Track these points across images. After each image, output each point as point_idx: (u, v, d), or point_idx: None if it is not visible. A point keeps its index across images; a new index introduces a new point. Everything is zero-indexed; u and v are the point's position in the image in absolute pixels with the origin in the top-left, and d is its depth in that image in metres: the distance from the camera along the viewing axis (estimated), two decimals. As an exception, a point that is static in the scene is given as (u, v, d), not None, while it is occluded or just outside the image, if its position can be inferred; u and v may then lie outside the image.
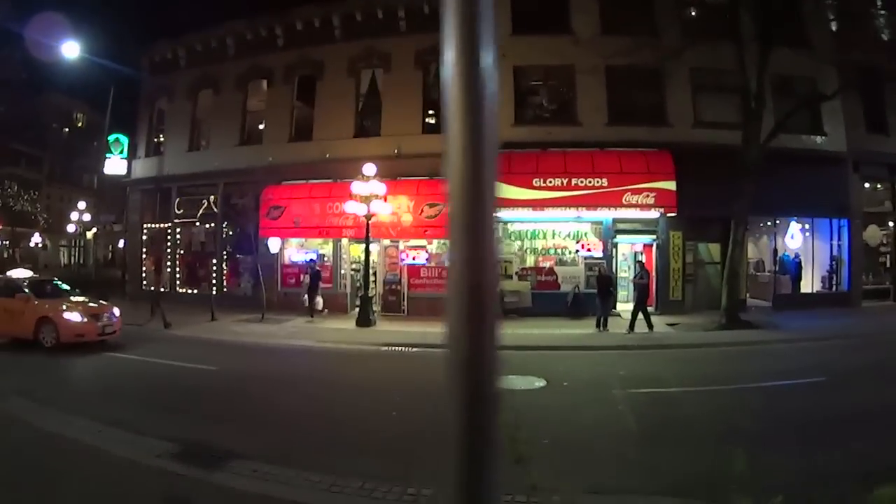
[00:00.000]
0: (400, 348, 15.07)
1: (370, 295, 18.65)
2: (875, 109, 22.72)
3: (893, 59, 20.84)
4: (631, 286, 22.50)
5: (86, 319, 14.50)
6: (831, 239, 22.12)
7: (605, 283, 17.19)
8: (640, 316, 16.41)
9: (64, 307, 14.60)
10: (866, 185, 22.85)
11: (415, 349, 14.81)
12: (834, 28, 20.95)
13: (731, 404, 9.26)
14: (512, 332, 16.85)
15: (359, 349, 15.23)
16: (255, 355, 14.64)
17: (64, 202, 38.34)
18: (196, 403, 9.91)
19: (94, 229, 30.00)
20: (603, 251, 19.67)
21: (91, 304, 15.52)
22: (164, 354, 14.18)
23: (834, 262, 22.07)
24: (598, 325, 16.74)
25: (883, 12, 21.30)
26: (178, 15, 25.73)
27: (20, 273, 17.64)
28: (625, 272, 21.61)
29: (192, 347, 15.43)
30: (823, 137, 21.38)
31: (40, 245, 39.83)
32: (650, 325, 16.46)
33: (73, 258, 35.84)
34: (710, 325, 17.14)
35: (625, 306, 20.24)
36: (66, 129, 44.83)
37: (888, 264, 23.49)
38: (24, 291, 14.86)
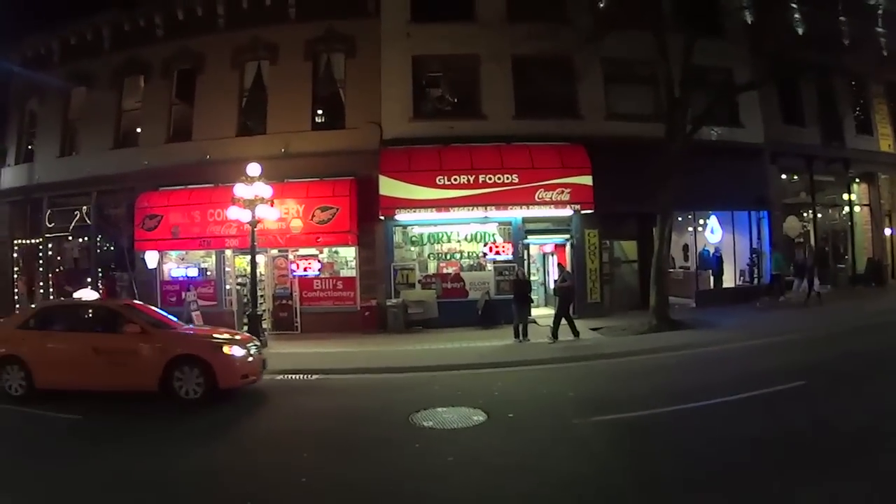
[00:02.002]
0: (297, 376, 12.05)
1: (259, 312, 15.56)
2: (791, 101, 21.16)
3: (807, 50, 19.44)
4: (542, 290, 20.35)
5: (249, 354, 10.15)
6: (750, 232, 20.26)
7: (521, 288, 14.67)
8: (562, 322, 14.06)
9: (215, 338, 10.23)
10: (783, 176, 21.15)
11: (314, 376, 11.96)
12: (749, 19, 19.22)
13: (728, 427, 7.24)
14: (421, 347, 14.31)
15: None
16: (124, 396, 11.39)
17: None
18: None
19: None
20: (513, 253, 17.15)
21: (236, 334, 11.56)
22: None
23: (754, 255, 20.26)
24: (516, 335, 14.19)
25: (795, 4, 19.73)
26: (55, 3, 21.71)
27: (86, 295, 13.54)
28: (534, 275, 19.23)
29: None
30: (741, 129, 19.43)
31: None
32: (575, 332, 14.14)
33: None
34: (641, 328, 14.95)
35: (539, 311, 17.86)
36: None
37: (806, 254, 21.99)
38: (135, 322, 9.98)
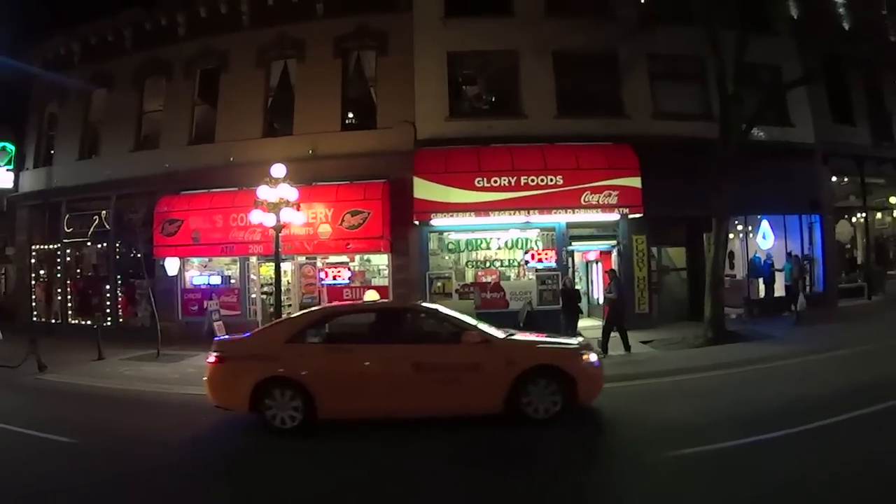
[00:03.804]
0: None
1: (284, 323, 13.74)
2: (840, 99, 19.02)
3: (855, 44, 17.51)
4: (584, 300, 18.32)
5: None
6: (801, 237, 18.19)
7: (570, 297, 12.81)
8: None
9: (569, 344, 8.13)
10: (833, 178, 19.04)
11: None
12: (796, 13, 17.28)
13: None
14: None
15: None
16: (136, 412, 9.54)
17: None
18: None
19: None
20: (556, 261, 15.18)
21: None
22: (15, 413, 9.31)
23: (806, 262, 18.14)
24: None
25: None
26: (74, 3, 20.10)
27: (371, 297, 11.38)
28: (577, 284, 17.23)
29: (59, 401, 10.43)
30: (791, 129, 17.40)
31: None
32: (627, 346, 12.32)
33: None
34: (696, 341, 13.04)
35: (583, 323, 15.83)
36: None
37: (859, 261, 19.89)
38: (471, 329, 7.70)
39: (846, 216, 19.35)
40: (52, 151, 19.75)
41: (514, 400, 7.16)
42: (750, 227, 17.89)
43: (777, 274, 17.70)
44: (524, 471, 5.81)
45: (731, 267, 18.14)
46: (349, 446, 7.05)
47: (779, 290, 17.80)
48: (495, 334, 7.73)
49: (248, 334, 8.48)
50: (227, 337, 8.28)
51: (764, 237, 17.78)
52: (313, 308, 9.15)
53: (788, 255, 17.15)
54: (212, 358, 7.71)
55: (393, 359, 7.33)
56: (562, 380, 7.26)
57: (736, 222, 17.74)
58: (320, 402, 7.21)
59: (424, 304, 10.11)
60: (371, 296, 11.42)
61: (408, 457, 6.56)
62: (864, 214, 19.81)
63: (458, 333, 7.59)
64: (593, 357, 7.77)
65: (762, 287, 17.62)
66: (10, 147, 20.14)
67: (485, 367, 7.25)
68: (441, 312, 8.20)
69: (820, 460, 5.60)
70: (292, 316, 8.59)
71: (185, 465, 6.62)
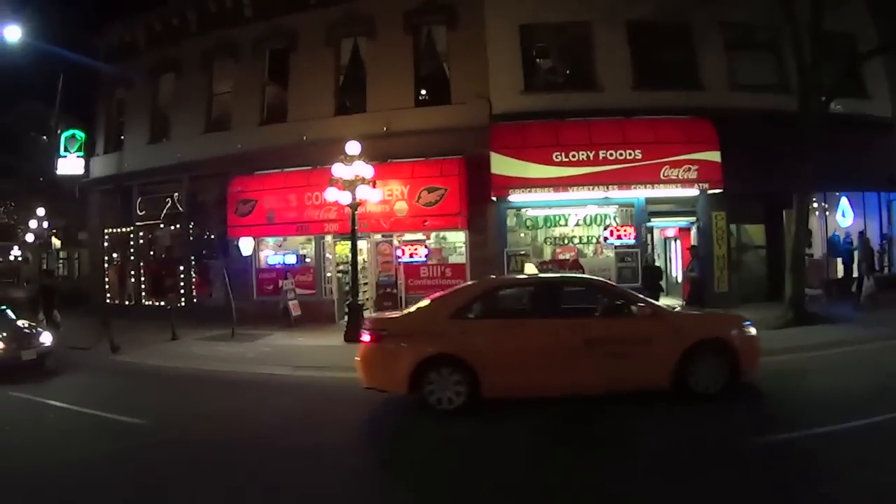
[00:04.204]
0: None
1: (360, 302, 13.58)
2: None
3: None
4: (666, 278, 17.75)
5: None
6: (880, 215, 17.35)
7: (652, 275, 12.36)
8: None
9: (732, 315, 8.09)
10: (912, 153, 18.10)
11: None
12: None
13: None
14: None
15: (348, 379, 9.95)
16: (211, 394, 9.40)
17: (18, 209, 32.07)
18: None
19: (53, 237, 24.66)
20: (635, 237, 14.67)
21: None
22: (87, 393, 9.42)
23: (884, 241, 17.32)
24: None
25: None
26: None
27: (530, 271, 10.85)
28: (657, 261, 16.68)
29: (131, 382, 10.43)
30: (868, 101, 16.54)
31: (20, 258, 33.83)
32: None
33: (57, 269, 29.89)
34: (776, 322, 12.29)
35: (663, 301, 15.35)
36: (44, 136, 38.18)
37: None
38: (641, 301, 7.46)
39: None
40: (122, 137, 19.82)
41: (681, 374, 6.84)
42: (827, 205, 17.15)
43: (855, 253, 16.98)
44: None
45: (810, 246, 17.41)
46: (514, 426, 6.62)
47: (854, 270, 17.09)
48: (663, 307, 7.47)
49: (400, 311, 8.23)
50: (376, 315, 7.87)
51: (843, 215, 17.02)
52: (474, 281, 8.65)
53: (859, 235, 16.43)
54: (366, 337, 7.29)
55: (564, 333, 6.93)
56: (726, 353, 6.95)
57: (814, 199, 17.04)
58: (486, 381, 6.81)
59: (591, 277, 9.79)
60: (530, 269, 10.83)
61: (590, 438, 6.21)
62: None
63: (627, 306, 7.30)
64: (753, 330, 7.38)
65: (841, 267, 16.88)
66: (81, 134, 20.38)
67: (654, 341, 6.93)
68: (609, 284, 7.97)
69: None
70: (454, 290, 8.10)
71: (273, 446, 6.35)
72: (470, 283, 8.84)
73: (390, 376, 7.03)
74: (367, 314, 14.01)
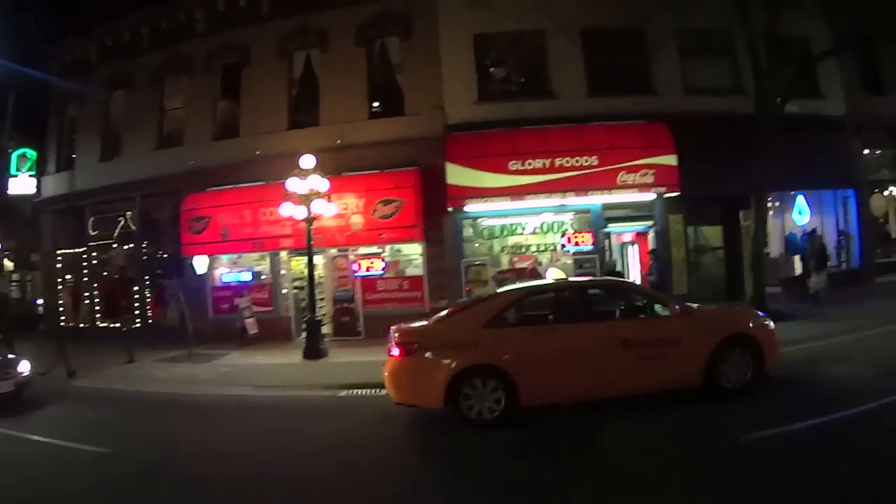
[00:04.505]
0: (363, 391, 9.71)
1: (318, 318, 13.23)
2: (870, 69, 18.25)
3: (886, 15, 16.84)
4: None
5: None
6: (836, 212, 17.51)
7: None
8: None
9: (753, 311, 8.25)
10: (866, 151, 18.30)
11: (384, 391, 9.41)
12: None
13: None
14: None
15: (310, 397, 9.85)
16: (172, 417, 9.14)
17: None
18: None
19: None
20: (593, 244, 14.54)
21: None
22: (43, 421, 9.00)
23: (841, 237, 17.49)
24: None
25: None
26: (90, 5, 19.53)
27: (553, 275, 10.41)
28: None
29: (89, 408, 9.92)
30: (822, 101, 16.71)
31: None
32: None
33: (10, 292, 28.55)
34: None
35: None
36: None
37: (893, 235, 19.15)
38: (670, 302, 7.64)
39: (875, 190, 18.61)
40: (74, 155, 19.21)
41: (712, 371, 6.92)
42: (784, 204, 17.20)
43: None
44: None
45: (767, 245, 17.53)
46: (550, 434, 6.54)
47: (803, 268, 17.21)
48: (693, 305, 7.63)
49: (427, 321, 7.77)
50: (403, 326, 7.49)
51: (800, 213, 17.12)
52: (505, 289, 8.35)
53: (809, 233, 16.56)
54: (395, 351, 6.94)
55: (601, 337, 6.89)
56: (751, 348, 7.08)
57: (770, 199, 17.12)
58: (524, 389, 6.63)
59: (621, 279, 9.98)
60: (556, 273, 10.51)
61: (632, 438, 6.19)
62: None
63: (658, 306, 7.42)
64: (772, 324, 7.58)
65: (799, 264, 16.97)
66: (31, 153, 19.73)
67: (686, 340, 6.95)
68: (638, 286, 8.41)
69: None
70: (486, 298, 7.85)
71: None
72: (501, 290, 8.53)
73: (424, 390, 6.79)
74: (324, 330, 13.84)
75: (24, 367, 10.40)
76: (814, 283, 14.84)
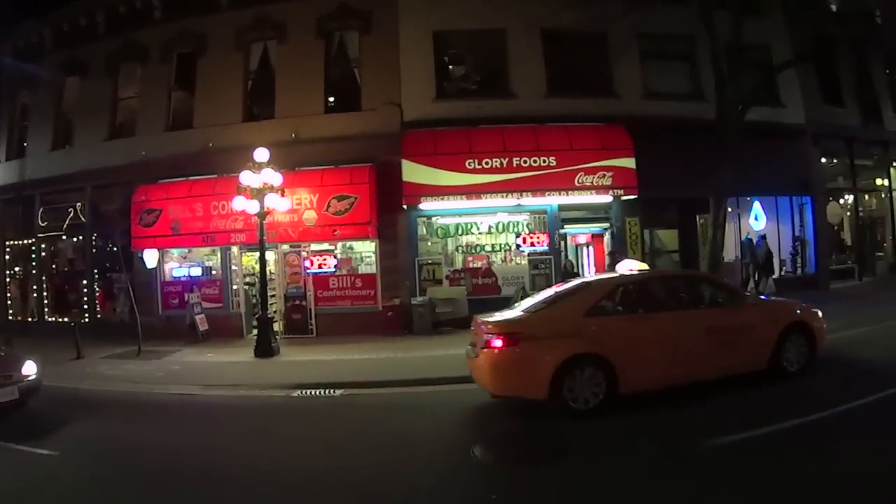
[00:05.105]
0: (316, 391, 9.40)
1: (269, 315, 12.85)
2: (829, 80, 18.46)
3: (846, 27, 17.02)
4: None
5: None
6: (792, 218, 17.63)
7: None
8: None
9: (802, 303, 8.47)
10: (823, 159, 18.43)
11: (338, 391, 9.30)
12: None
13: None
14: (455, 352, 11.02)
15: (261, 397, 9.49)
16: (120, 417, 8.58)
17: None
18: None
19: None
20: (549, 244, 14.36)
21: None
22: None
23: (797, 243, 17.59)
24: None
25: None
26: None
27: (628, 266, 9.80)
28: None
29: (34, 406, 8.94)
30: (782, 109, 16.78)
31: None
32: None
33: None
34: None
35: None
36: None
37: (848, 242, 19.36)
38: (746, 294, 8.57)
39: (831, 198, 18.75)
40: (25, 143, 18.50)
41: (777, 355, 7.42)
42: (740, 209, 17.23)
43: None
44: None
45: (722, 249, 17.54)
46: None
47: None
48: (758, 296, 8.54)
49: (510, 312, 7.70)
50: (498, 318, 7.33)
51: (756, 218, 17.18)
52: (601, 278, 8.41)
53: (760, 238, 16.67)
54: (498, 342, 6.71)
55: (690, 324, 7.17)
56: (806, 334, 7.64)
57: (727, 204, 17.13)
58: (623, 377, 6.66)
59: (699, 272, 10.84)
60: (630, 264, 10.48)
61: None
62: (852, 196, 19.36)
63: (734, 297, 7.89)
64: (820, 313, 8.06)
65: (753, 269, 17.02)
66: (-19, 140, 18.95)
67: (759, 327, 7.44)
68: (713, 277, 9.08)
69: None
70: (582, 287, 7.79)
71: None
72: (593, 279, 8.63)
73: (528, 381, 6.63)
74: (275, 327, 13.47)
75: (30, 368, 8.55)
76: (764, 287, 14.90)
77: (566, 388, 6.52)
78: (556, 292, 7.82)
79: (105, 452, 6.78)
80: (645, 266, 9.58)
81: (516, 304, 8.32)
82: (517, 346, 6.67)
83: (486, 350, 6.84)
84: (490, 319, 7.28)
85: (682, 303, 7.62)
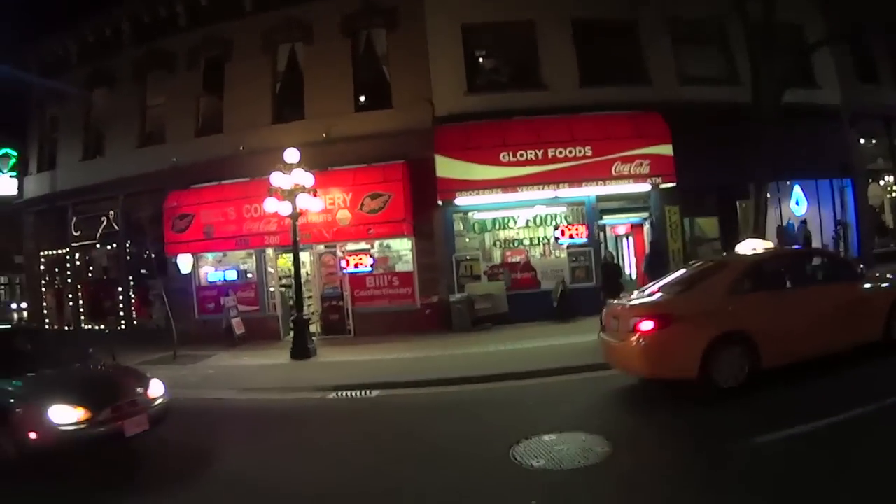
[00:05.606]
0: (354, 392, 9.18)
1: (306, 316, 12.65)
2: (865, 58, 17.81)
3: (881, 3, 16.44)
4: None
5: None
6: (833, 202, 17.02)
7: (611, 273, 11.63)
8: None
9: None
10: (861, 140, 17.82)
11: (374, 392, 9.08)
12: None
13: None
14: (495, 348, 11.15)
15: (298, 399, 9.24)
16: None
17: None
18: None
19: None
20: (588, 236, 14.01)
21: None
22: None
23: (839, 227, 16.99)
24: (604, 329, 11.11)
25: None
26: (71, 1, 18.87)
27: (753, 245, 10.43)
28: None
29: None
30: (818, 90, 16.22)
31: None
32: None
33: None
34: None
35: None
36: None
37: (890, 225, 18.71)
38: (860, 269, 8.59)
39: (871, 179, 18.13)
40: (56, 155, 18.54)
41: (889, 326, 7.43)
42: (781, 194, 16.70)
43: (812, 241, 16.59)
44: None
45: (764, 235, 17.04)
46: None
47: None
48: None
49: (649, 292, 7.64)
50: (646, 299, 7.36)
51: (797, 203, 16.67)
52: (736, 257, 8.28)
53: (801, 223, 16.13)
54: (649, 324, 6.67)
55: (819, 299, 7.29)
56: None
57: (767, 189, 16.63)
58: (765, 352, 6.68)
59: (821, 248, 11.49)
60: (753, 244, 10.64)
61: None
62: (892, 177, 18.69)
63: (851, 271, 8.20)
64: None
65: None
66: (13, 153, 19.14)
67: (874, 299, 7.57)
68: (833, 253, 9.81)
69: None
70: (720, 267, 7.80)
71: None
72: (729, 259, 8.61)
73: (681, 361, 6.59)
74: (312, 329, 13.26)
75: (157, 388, 6.84)
76: None
77: (714, 367, 6.50)
78: (689, 273, 7.85)
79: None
80: (770, 244, 9.44)
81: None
82: (669, 327, 6.63)
83: (635, 333, 6.76)
84: (634, 303, 7.34)
85: (812, 278, 7.86)
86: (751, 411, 6.06)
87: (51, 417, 5.66)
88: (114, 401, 6.16)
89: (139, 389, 6.63)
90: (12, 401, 5.90)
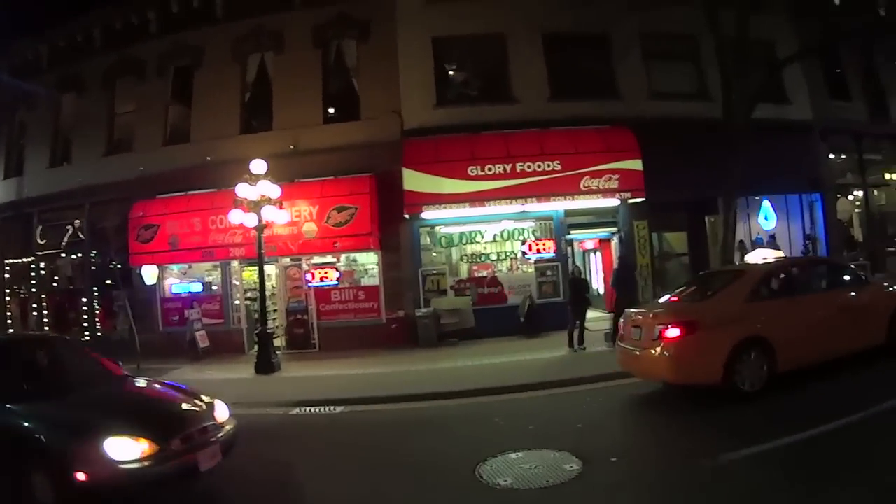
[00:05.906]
0: (318, 408, 9.02)
1: (270, 330, 12.46)
2: (835, 75, 18.05)
3: (851, 20, 16.56)
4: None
5: None
6: (802, 216, 17.11)
7: (578, 288, 11.54)
8: None
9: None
10: (831, 155, 17.94)
11: (339, 408, 8.92)
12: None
13: None
14: (462, 364, 11.06)
15: (260, 415, 8.94)
16: None
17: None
18: None
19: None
20: (555, 251, 13.95)
21: None
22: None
23: (808, 242, 17.07)
24: (571, 344, 11.20)
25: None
26: (41, 6, 18.60)
27: (761, 255, 10.41)
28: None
29: None
30: (789, 106, 16.34)
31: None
32: None
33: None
34: None
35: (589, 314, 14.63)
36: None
37: (858, 239, 18.85)
38: (864, 276, 8.92)
39: (839, 194, 18.28)
40: (23, 161, 18.16)
41: (891, 330, 7.76)
42: (749, 209, 16.74)
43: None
44: None
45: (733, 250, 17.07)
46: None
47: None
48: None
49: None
50: (669, 307, 7.76)
51: (766, 218, 16.66)
52: (752, 266, 8.86)
53: (770, 238, 16.20)
54: (676, 331, 6.83)
55: (828, 305, 7.54)
56: None
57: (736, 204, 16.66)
58: (781, 357, 6.97)
59: (828, 257, 11.52)
60: (763, 253, 10.88)
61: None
62: (861, 192, 18.85)
63: (857, 277, 8.34)
64: None
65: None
66: (-22, 158, 18.64)
67: (878, 305, 7.89)
68: (840, 261, 10.12)
69: None
70: (737, 275, 8.05)
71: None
72: (745, 268, 9.09)
73: (706, 367, 6.78)
74: (277, 343, 13.07)
75: (223, 411, 5.76)
76: None
77: (736, 372, 6.70)
78: (703, 283, 8.27)
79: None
80: (781, 253, 9.66)
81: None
82: (695, 334, 6.80)
83: (660, 341, 6.90)
84: (658, 311, 7.54)
85: (823, 285, 8.06)
86: (734, 426, 6.16)
87: (107, 452, 4.46)
88: (182, 429, 5.02)
89: (208, 418, 5.44)
90: (50, 433, 4.59)
